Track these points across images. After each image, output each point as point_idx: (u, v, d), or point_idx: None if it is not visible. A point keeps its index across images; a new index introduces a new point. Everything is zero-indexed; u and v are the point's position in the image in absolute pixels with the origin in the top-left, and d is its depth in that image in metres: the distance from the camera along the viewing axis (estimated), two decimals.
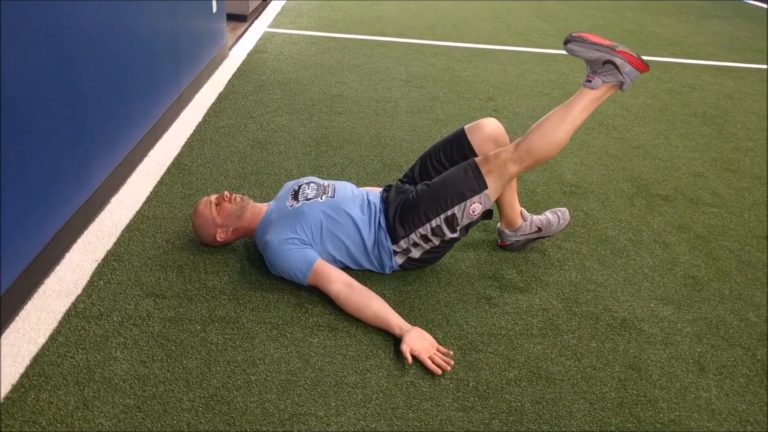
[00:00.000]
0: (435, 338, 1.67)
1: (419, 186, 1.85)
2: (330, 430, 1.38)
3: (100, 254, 1.88)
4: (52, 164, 1.79)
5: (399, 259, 1.84)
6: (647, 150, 2.99)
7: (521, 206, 2.08)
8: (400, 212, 1.81)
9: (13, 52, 1.55)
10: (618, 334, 1.76)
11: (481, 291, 1.89)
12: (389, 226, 1.81)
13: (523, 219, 2.05)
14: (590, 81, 1.73)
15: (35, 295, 1.70)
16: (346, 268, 1.86)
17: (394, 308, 1.73)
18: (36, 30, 1.66)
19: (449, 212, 1.76)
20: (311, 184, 1.91)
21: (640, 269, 2.07)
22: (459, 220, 1.77)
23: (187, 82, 3.01)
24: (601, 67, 1.71)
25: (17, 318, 1.62)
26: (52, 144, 1.79)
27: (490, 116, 3.20)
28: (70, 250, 1.89)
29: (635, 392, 1.57)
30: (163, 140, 2.63)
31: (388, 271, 1.88)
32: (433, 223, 1.78)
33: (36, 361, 1.49)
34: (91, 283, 1.76)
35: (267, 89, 3.29)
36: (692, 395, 1.57)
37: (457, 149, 1.90)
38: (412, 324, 1.68)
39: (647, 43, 5.10)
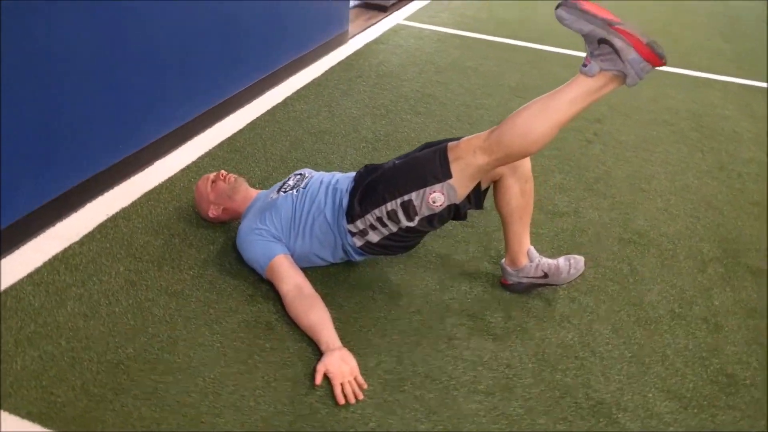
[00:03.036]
0: (363, 366, 1.54)
1: (389, 163, 1.70)
2: (199, 429, 1.35)
3: (114, 210, 2.03)
4: (92, 118, 2.02)
5: (357, 241, 1.69)
6: None
7: (535, 245, 1.82)
8: (363, 190, 1.66)
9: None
10: (581, 418, 1.47)
11: (448, 328, 1.69)
12: (349, 206, 1.68)
13: (529, 259, 1.79)
14: (586, 66, 1.42)
15: (42, 234, 1.90)
16: (330, 265, 1.82)
17: (340, 324, 1.64)
18: None
19: (406, 197, 1.58)
20: (297, 176, 1.87)
21: (660, 348, 1.70)
22: (417, 209, 1.58)
23: (282, 63, 3.12)
24: (597, 47, 1.39)
25: (16, 252, 1.82)
26: (95, 97, 2.01)
27: (588, 140, 2.86)
28: (93, 201, 2.07)
29: None
30: (234, 115, 2.75)
31: (356, 257, 1.76)
32: (389, 206, 1.60)
33: (5, 292, 1.66)
34: (89, 235, 1.91)
35: (362, 80, 3.28)
36: None
37: None
38: (348, 345, 1.57)
39: None
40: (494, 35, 4.29)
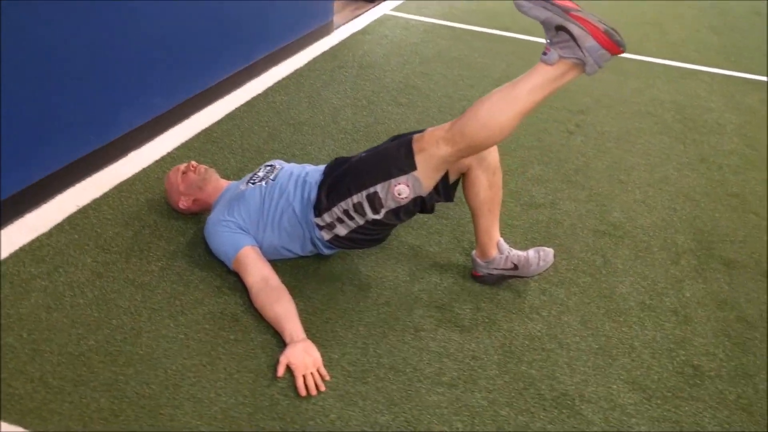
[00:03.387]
0: (327, 358, 1.53)
1: (357, 155, 1.69)
2: (156, 423, 1.34)
3: (84, 201, 2.02)
4: (67, 108, 2.01)
5: (325, 234, 1.68)
6: (746, 200, 2.42)
7: (504, 237, 1.82)
8: (330, 183, 1.66)
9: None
10: (544, 410, 1.46)
11: (416, 320, 1.69)
12: (317, 199, 1.67)
13: (499, 251, 1.78)
14: (546, 54, 1.40)
15: (11, 225, 1.88)
16: (299, 258, 1.81)
17: (307, 316, 1.63)
18: None
19: (371, 189, 1.57)
20: (267, 167, 1.85)
21: (627, 340, 1.69)
22: (383, 201, 1.58)
23: (264, 53, 3.09)
24: (555, 34, 1.37)
25: None
26: (69, 86, 2.00)
27: (570, 132, 2.85)
28: (65, 192, 2.06)
29: None
30: (212, 106, 2.73)
31: (325, 250, 1.76)
32: (355, 198, 1.59)
33: None
34: (58, 226, 1.90)
35: (345, 71, 3.26)
36: None
37: None
38: (313, 337, 1.56)
39: None
40: (483, 26, 4.26)
